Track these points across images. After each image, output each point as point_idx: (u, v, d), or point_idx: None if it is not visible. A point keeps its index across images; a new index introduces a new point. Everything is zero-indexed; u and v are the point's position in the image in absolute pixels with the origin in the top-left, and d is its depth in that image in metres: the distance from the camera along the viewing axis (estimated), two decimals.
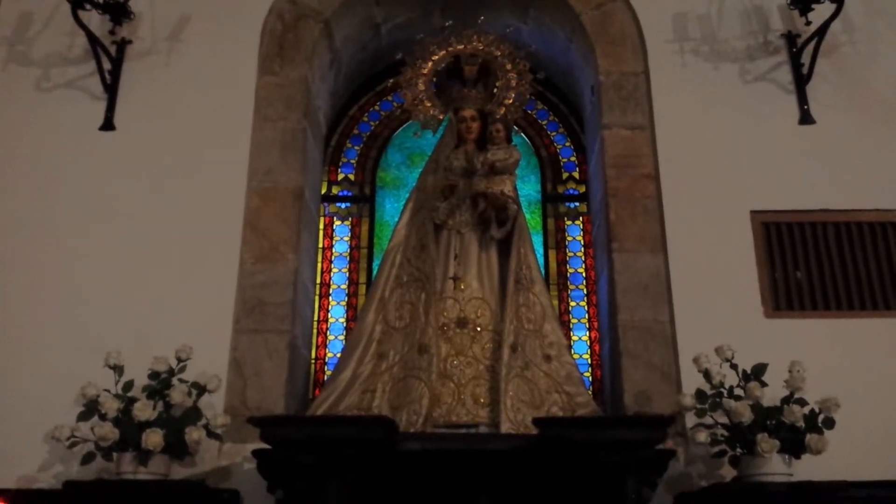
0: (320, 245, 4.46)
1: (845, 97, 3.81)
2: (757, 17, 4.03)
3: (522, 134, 4.68)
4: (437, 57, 3.93)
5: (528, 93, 3.91)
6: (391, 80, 4.13)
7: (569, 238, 4.53)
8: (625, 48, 4.07)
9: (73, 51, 3.94)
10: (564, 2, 4.16)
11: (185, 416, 3.01)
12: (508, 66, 3.91)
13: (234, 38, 4.06)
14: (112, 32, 3.93)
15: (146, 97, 3.93)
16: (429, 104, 3.91)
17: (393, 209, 4.59)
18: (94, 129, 3.80)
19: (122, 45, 3.95)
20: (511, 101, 3.89)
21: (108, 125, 3.80)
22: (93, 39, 3.83)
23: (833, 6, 3.70)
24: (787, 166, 3.68)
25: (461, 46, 3.93)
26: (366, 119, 4.85)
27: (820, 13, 3.81)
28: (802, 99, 3.79)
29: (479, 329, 3.41)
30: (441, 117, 3.93)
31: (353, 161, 4.74)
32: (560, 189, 4.65)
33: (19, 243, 3.56)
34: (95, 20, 3.92)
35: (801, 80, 3.83)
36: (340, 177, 4.70)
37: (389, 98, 4.86)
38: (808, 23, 3.87)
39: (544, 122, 4.83)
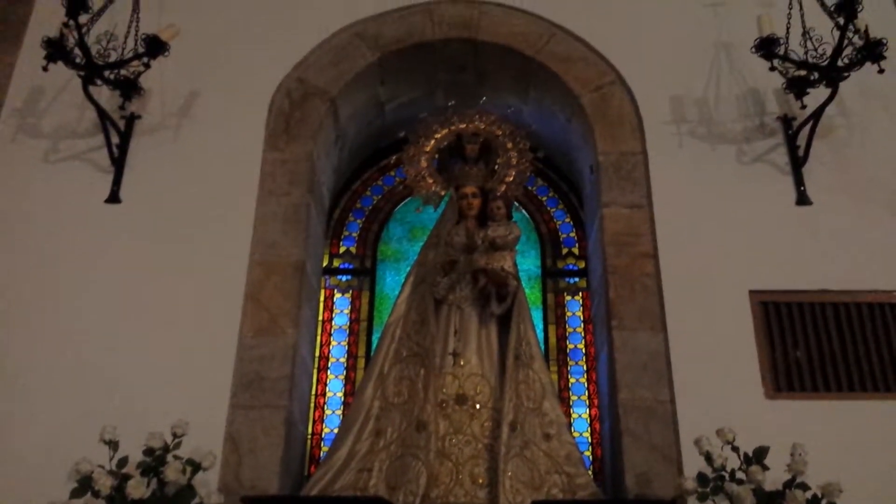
0: (320, 318, 4.46)
1: (841, 178, 3.85)
2: (753, 100, 4.12)
3: (523, 210, 4.73)
4: (439, 135, 4.02)
5: (529, 170, 3.99)
6: (394, 157, 4.23)
7: (568, 313, 4.54)
8: (623, 129, 4.10)
9: (83, 124, 4.01)
10: (564, 84, 4.27)
11: (179, 495, 2.99)
12: (509, 145, 3.99)
13: (242, 114, 4.14)
14: (122, 107, 4.02)
15: (153, 171, 3.94)
16: (430, 180, 3.98)
17: (393, 282, 4.60)
18: (99, 202, 3.86)
19: (131, 119, 4.03)
20: (511, 178, 3.96)
21: (113, 198, 3.87)
22: (102, 114, 3.89)
23: (828, 91, 3.75)
24: (784, 246, 3.70)
25: (463, 125, 4.03)
26: (368, 193, 4.91)
27: (815, 97, 3.86)
28: (799, 180, 3.84)
29: (477, 406, 3.40)
30: (442, 193, 3.99)
31: (354, 234, 4.78)
32: (560, 264, 4.67)
33: (21, 311, 3.57)
34: (105, 94, 4.02)
35: (798, 162, 3.88)
36: (342, 249, 4.72)
37: (392, 173, 4.94)
38: (804, 106, 3.92)
39: (544, 199, 4.89)
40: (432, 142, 4.01)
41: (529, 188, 4.81)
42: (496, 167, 4.03)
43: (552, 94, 4.40)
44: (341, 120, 4.41)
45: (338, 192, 4.82)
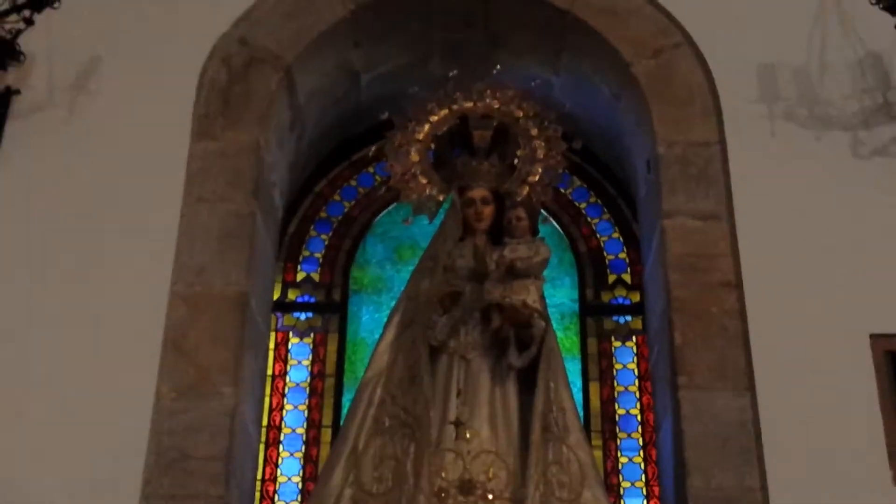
0: (270, 372, 4.41)
1: None
2: (873, 70, 4.09)
3: (553, 221, 4.70)
4: (436, 118, 3.98)
5: (562, 167, 3.94)
6: (373, 148, 4.17)
7: (617, 366, 4.49)
8: (693, 110, 4.12)
9: None
10: (610, 47, 4.25)
11: None
12: (534, 132, 3.95)
13: (161, 89, 4.13)
14: None
15: (37, 165, 3.97)
16: (424, 181, 3.94)
17: (372, 323, 4.56)
18: None
19: (7, 95, 4.00)
20: (537, 177, 3.92)
21: None
22: None
23: None
24: None
25: (469, 104, 3.99)
26: (337, 198, 4.87)
27: None
28: None
29: (490, 497, 3.35)
30: (441, 199, 3.95)
31: (318, 255, 4.74)
32: (605, 297, 4.64)
33: None
34: None
35: None
36: (300, 277, 4.69)
37: (370, 170, 4.90)
38: None
39: (583, 206, 4.84)
40: (427, 127, 3.98)
41: (562, 191, 4.77)
42: (515, 162, 4.01)
43: (593, 60, 4.44)
44: (300, 97, 4.39)
45: (295, 197, 4.79)
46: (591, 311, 4.62)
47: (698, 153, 4.08)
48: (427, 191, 3.96)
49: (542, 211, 4.16)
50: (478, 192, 3.94)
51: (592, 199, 4.87)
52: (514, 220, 3.83)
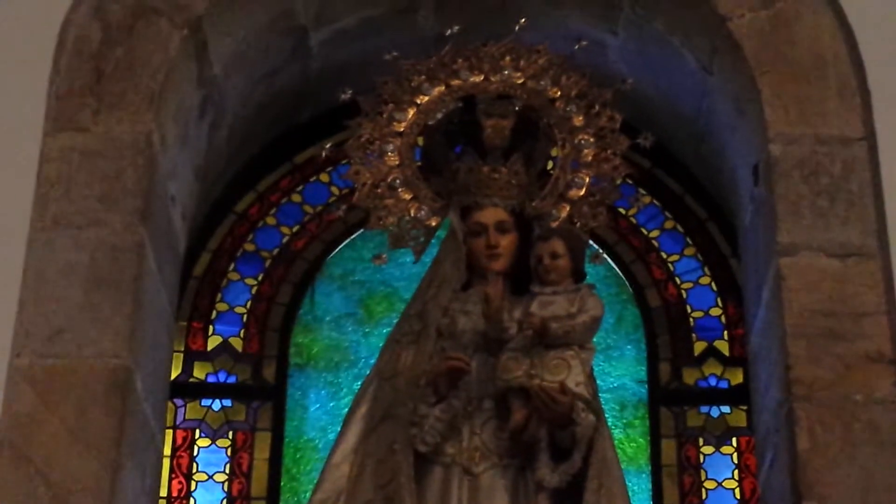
0: (164, 494, 4.44)
1: None
2: None
3: (609, 259, 4.72)
4: (426, 99, 4.04)
5: (622, 175, 3.98)
6: (328, 144, 4.21)
7: (708, 484, 4.52)
8: (825, 89, 4.20)
9: None
10: None
11: None
12: (578, 121, 3.99)
13: (4, 52, 4.18)
14: None
15: None
16: (407, 196, 3.99)
17: (324, 416, 4.62)
18: None
19: None
20: (583, 191, 3.97)
21: None
22: None
23: None
24: None
25: (478, 78, 4.05)
26: (272, 222, 4.94)
27: None
28: None
29: None
30: (433, 224, 4.00)
31: (241, 310, 4.80)
32: (689, 377, 4.69)
33: None
34: None
35: None
36: (214, 343, 4.75)
37: (324, 179, 4.98)
38: None
39: (655, 235, 4.91)
40: (411, 113, 4.04)
41: (623, 212, 4.83)
42: (549, 168, 4.05)
43: (671, 11, 4.49)
44: (214, 66, 4.42)
45: (207, 220, 4.86)
46: (668, 399, 4.65)
47: (834, 154, 4.11)
48: (412, 212, 4.00)
49: (592, 243, 4.17)
50: (491, 215, 3.96)
51: (669, 226, 4.91)
52: (548, 259, 3.84)
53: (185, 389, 4.66)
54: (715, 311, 4.79)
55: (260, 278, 4.86)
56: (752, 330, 4.38)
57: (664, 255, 4.87)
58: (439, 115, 4.05)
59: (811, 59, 4.23)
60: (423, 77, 4.07)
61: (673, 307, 4.79)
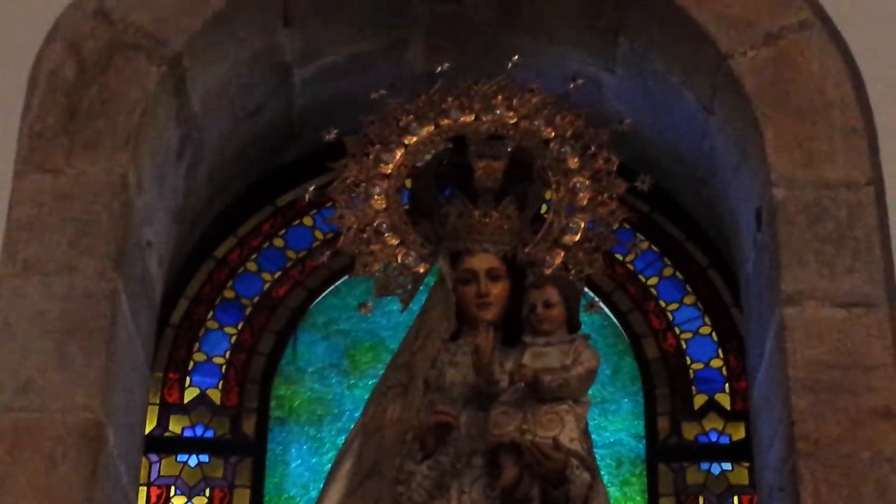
0: None
1: None
2: None
3: (605, 308, 4.72)
4: (414, 139, 4.05)
5: (619, 219, 4.00)
6: (311, 188, 4.22)
7: None
8: (829, 130, 4.20)
9: None
10: (696, 28, 4.28)
11: None
12: (573, 163, 4.00)
13: None
14: None
15: None
16: (394, 241, 4.00)
17: (307, 472, 4.64)
18: None
19: None
20: (578, 236, 3.98)
21: None
22: None
23: None
24: None
25: (469, 118, 4.07)
26: (253, 268, 4.95)
27: None
28: None
29: None
30: (421, 271, 4.01)
31: (219, 360, 4.82)
32: (689, 432, 4.70)
33: None
34: None
35: None
36: (191, 395, 4.75)
37: (307, 223, 5.00)
38: None
39: (653, 282, 4.92)
40: (399, 154, 4.05)
41: (620, 258, 4.84)
42: (543, 212, 4.06)
43: (670, 49, 4.50)
44: (194, 104, 4.42)
45: (184, 266, 4.86)
46: (667, 455, 4.65)
47: (840, 199, 4.10)
48: (399, 258, 4.01)
49: (587, 291, 4.17)
50: (482, 261, 3.96)
51: (668, 273, 4.92)
52: (541, 307, 3.83)
53: (160, 444, 4.65)
54: (716, 363, 4.79)
55: (240, 327, 4.86)
56: (754, 383, 4.36)
57: (663, 304, 4.87)
58: (428, 157, 4.07)
59: (816, 100, 4.22)
60: (412, 116, 4.08)
61: (672, 358, 4.79)
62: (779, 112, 4.22)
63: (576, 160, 4.03)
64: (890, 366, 3.89)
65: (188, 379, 4.78)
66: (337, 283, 4.85)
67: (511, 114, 4.08)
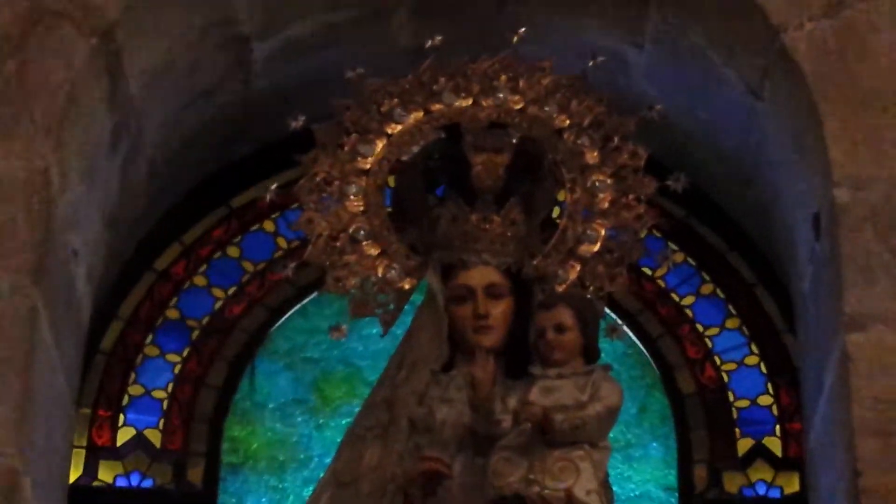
0: None
1: None
2: None
3: (630, 333, 4.71)
4: (399, 128, 4.07)
5: (647, 225, 4.03)
6: (273, 186, 4.21)
7: None
8: None
9: None
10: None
11: None
12: (592, 157, 4.04)
13: None
14: None
15: None
16: (374, 251, 4.02)
17: None
18: None
19: None
20: (597, 246, 4.01)
21: None
22: None
23: None
24: None
25: (464, 102, 4.09)
26: (202, 282, 4.98)
27: None
28: None
29: None
30: (406, 287, 4.04)
31: (160, 393, 4.83)
32: (731, 483, 4.71)
33: None
34: None
35: None
36: (125, 437, 4.76)
37: (268, 229, 5.02)
38: None
39: (688, 302, 4.95)
40: (380, 146, 4.07)
41: (649, 273, 4.88)
42: (556, 217, 4.09)
43: (710, 22, 4.52)
44: (131, 84, 4.44)
45: (118, 280, 4.88)
46: None
47: None
48: (380, 271, 4.03)
49: (608, 313, 4.20)
50: (480, 276, 3.98)
51: (707, 291, 4.95)
52: (552, 332, 3.83)
53: (88, 495, 4.65)
54: (764, 400, 4.81)
55: (185, 354, 4.88)
56: (811, 425, 4.37)
57: (700, 328, 4.90)
58: (415, 149, 4.09)
59: (888, 82, 4.25)
60: (396, 100, 4.10)
61: (711, 394, 4.80)
62: (842, 97, 4.24)
63: (595, 154, 4.05)
64: None
65: (122, 417, 4.79)
66: (304, 302, 4.88)
67: (517, 97, 4.10)
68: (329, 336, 4.13)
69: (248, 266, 4.99)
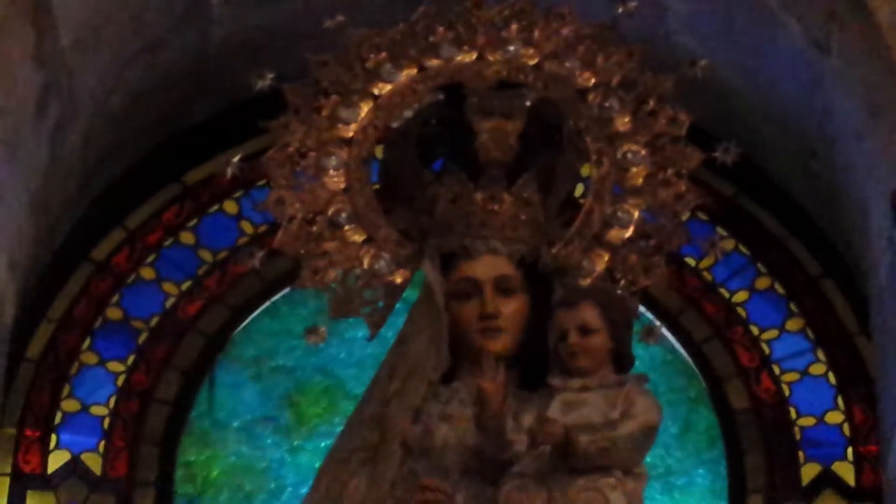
0: None
1: None
2: None
3: (670, 336, 4.77)
4: (388, 89, 4.08)
5: (689, 206, 4.03)
6: (235, 158, 4.20)
7: None
8: None
9: None
10: None
11: None
12: (623, 124, 4.04)
13: None
14: None
15: None
16: (358, 237, 4.04)
17: None
18: None
19: None
20: (630, 231, 4.02)
21: None
22: None
23: None
24: None
25: (467, 56, 4.10)
26: (149, 275, 5.00)
27: None
28: None
29: None
30: (397, 281, 4.05)
31: (99, 409, 4.86)
32: None
33: None
34: None
35: None
36: (58, 461, 4.78)
37: (229, 209, 5.06)
38: None
39: (740, 299, 4.98)
40: (365, 110, 4.07)
41: (693, 264, 4.90)
42: (580, 195, 4.12)
43: None
44: (62, 35, 4.45)
45: (48, 270, 4.91)
46: None
47: None
48: (366, 262, 4.05)
49: (643, 311, 4.25)
50: (488, 267, 4.01)
51: (763, 285, 4.98)
52: (576, 335, 3.85)
53: None
54: (834, 417, 4.83)
55: (130, 362, 4.90)
56: (890, 447, 4.40)
57: (755, 331, 4.92)
58: (408, 114, 4.11)
59: None
60: (385, 54, 4.11)
61: (769, 410, 4.82)
62: None
63: (626, 120, 4.06)
64: None
65: (54, 438, 4.81)
66: (274, 299, 4.92)
67: (531, 51, 4.11)
68: (305, 340, 4.13)
69: (206, 255, 5.03)
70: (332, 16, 4.10)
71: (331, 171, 4.07)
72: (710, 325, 4.92)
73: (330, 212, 4.05)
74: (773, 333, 4.91)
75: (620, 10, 4.14)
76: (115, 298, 4.97)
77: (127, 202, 5.06)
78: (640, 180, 4.04)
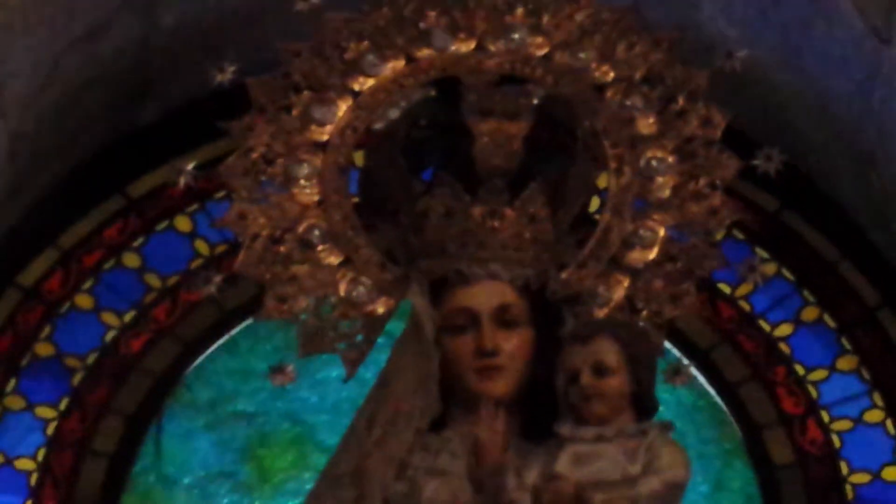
0: None
1: None
2: None
3: (698, 374, 4.80)
4: (370, 83, 4.08)
5: (725, 224, 4.04)
6: (189, 166, 4.17)
7: None
8: None
9: None
10: None
11: None
12: (645, 125, 4.05)
13: None
14: None
15: None
16: (333, 259, 4.03)
17: None
18: None
19: None
20: (655, 253, 4.03)
21: None
22: None
23: None
24: None
25: (464, 45, 4.09)
26: (86, 304, 5.02)
27: None
28: None
29: None
30: (379, 311, 4.05)
31: (26, 463, 4.86)
32: None
33: None
34: None
35: None
36: None
37: (182, 226, 5.07)
38: None
39: (783, 333, 4.99)
40: (342, 108, 4.08)
41: (725, 290, 4.91)
42: (596, 210, 4.13)
43: None
44: None
45: None
46: None
47: None
48: (342, 288, 4.05)
49: (670, 349, 4.28)
50: (487, 295, 4.02)
51: (811, 317, 4.99)
52: (589, 376, 3.85)
53: None
54: (892, 474, 4.86)
55: (63, 407, 4.92)
56: None
57: (801, 371, 4.94)
58: (394, 114, 4.12)
59: None
60: (367, 43, 4.11)
61: (817, 464, 4.84)
62: None
63: (651, 121, 4.07)
64: None
65: None
66: (232, 333, 4.94)
67: (539, 39, 4.12)
68: (269, 381, 4.13)
69: (154, 281, 5.05)
70: (309, 1, 4.09)
71: (302, 182, 4.07)
72: (747, 364, 4.94)
73: (301, 229, 4.06)
74: (821, 374, 4.94)
75: None
76: (46, 331, 4.99)
77: (60, 218, 5.06)
78: (667, 192, 4.05)
